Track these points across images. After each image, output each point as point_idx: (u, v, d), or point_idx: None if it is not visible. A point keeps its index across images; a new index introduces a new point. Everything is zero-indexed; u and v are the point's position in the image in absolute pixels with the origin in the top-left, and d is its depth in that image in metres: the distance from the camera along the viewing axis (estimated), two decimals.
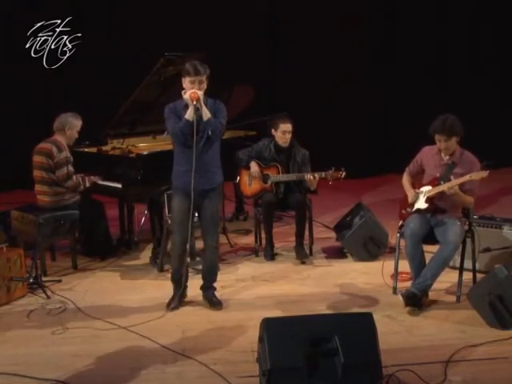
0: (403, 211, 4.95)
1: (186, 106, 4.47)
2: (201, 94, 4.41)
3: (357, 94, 9.28)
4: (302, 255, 5.80)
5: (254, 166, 5.90)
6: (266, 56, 9.41)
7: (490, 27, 9.63)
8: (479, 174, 4.53)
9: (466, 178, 4.54)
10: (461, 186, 4.60)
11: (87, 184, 5.70)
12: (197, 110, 4.40)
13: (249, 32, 8.94)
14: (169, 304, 4.75)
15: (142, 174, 5.54)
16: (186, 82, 4.46)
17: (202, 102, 4.42)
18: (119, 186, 5.71)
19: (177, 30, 8.42)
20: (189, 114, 4.42)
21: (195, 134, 4.39)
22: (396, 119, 9.55)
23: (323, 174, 5.59)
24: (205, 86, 4.47)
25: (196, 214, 4.71)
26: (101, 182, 5.81)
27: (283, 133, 5.79)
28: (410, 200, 4.89)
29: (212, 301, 4.79)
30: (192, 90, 4.39)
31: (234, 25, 8.76)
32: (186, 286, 4.85)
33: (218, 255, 4.88)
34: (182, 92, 4.46)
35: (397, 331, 4.30)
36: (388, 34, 9.55)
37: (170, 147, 5.77)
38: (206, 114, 4.44)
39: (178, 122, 4.46)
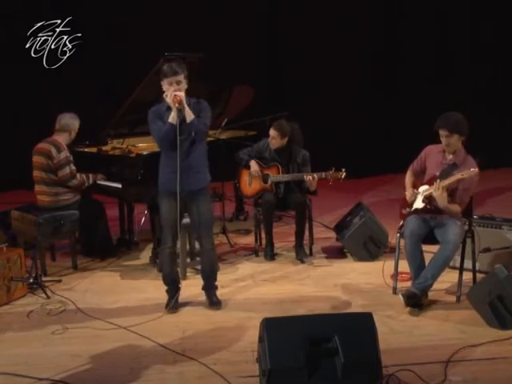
0: (403, 211, 4.94)
1: (169, 109, 4.42)
2: (182, 95, 4.35)
3: (357, 93, 9.29)
4: (302, 255, 5.80)
5: (254, 166, 5.90)
6: (266, 56, 9.41)
7: (491, 26, 9.62)
8: (469, 172, 4.49)
9: (458, 176, 4.52)
10: (453, 192, 4.60)
11: (91, 181, 5.71)
12: (179, 112, 4.35)
13: (249, 32, 8.94)
14: (167, 306, 4.72)
15: (142, 174, 5.52)
16: (164, 84, 4.40)
17: (185, 103, 4.37)
18: (119, 186, 5.70)
19: (177, 30, 8.42)
20: (172, 118, 4.37)
21: (178, 136, 4.33)
22: (396, 119, 9.55)
23: (323, 175, 5.57)
24: (184, 85, 4.42)
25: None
26: (103, 183, 5.80)
27: (270, 137, 5.83)
28: (407, 199, 4.89)
29: (212, 300, 4.79)
30: (174, 93, 4.34)
31: (234, 25, 8.77)
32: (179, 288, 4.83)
33: (215, 255, 4.86)
34: (164, 95, 4.40)
35: (397, 331, 4.29)
36: (389, 34, 9.55)
37: None
38: (190, 115, 4.39)
39: (162, 127, 4.41)
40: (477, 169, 4.52)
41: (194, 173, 4.51)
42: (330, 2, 9.10)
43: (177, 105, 4.32)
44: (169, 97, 4.35)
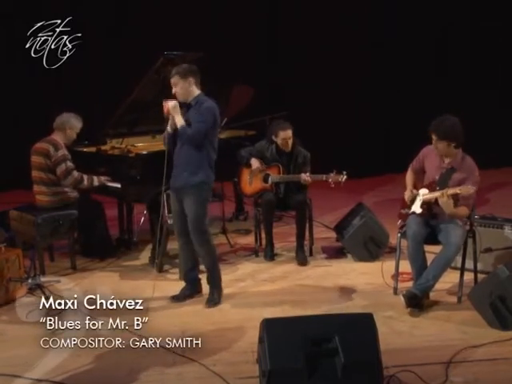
0: (402, 211, 4.92)
1: (185, 106, 4.64)
2: (172, 104, 4.55)
3: (357, 93, 9.26)
4: (302, 258, 5.76)
5: (255, 163, 5.86)
6: (266, 56, 9.37)
7: (491, 25, 9.61)
8: (467, 189, 4.47)
9: (456, 190, 4.50)
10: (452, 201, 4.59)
11: (95, 183, 5.67)
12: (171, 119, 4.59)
13: (249, 32, 8.93)
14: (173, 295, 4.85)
15: (142, 173, 5.51)
16: None
17: (176, 113, 4.55)
18: (118, 185, 5.68)
19: (177, 31, 8.39)
20: (169, 125, 4.63)
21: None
22: (396, 118, 9.51)
23: (324, 177, 5.56)
24: (182, 86, 4.58)
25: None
26: (110, 184, 5.76)
27: (283, 140, 5.78)
28: (406, 198, 4.88)
29: (208, 297, 4.83)
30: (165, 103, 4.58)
31: (234, 25, 8.75)
32: (198, 280, 4.94)
33: (207, 253, 4.81)
34: None
35: (397, 332, 4.28)
36: (389, 33, 9.51)
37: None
38: (179, 122, 4.56)
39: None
40: (474, 187, 4.50)
41: (181, 171, 4.66)
42: (329, 2, 9.07)
43: (165, 114, 4.57)
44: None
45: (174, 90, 4.59)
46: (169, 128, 4.62)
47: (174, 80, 4.58)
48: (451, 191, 4.50)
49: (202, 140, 4.58)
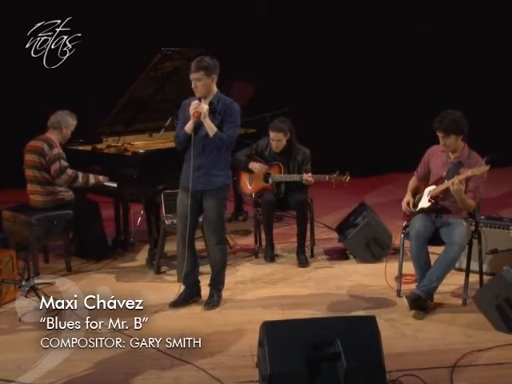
0: (406, 212, 4.85)
1: (199, 100, 4.47)
2: (204, 109, 4.40)
3: (359, 91, 9.24)
4: (303, 260, 5.69)
5: (255, 165, 5.76)
6: (266, 56, 9.38)
7: (496, 19, 9.55)
8: (480, 169, 4.43)
9: (468, 173, 4.45)
10: (464, 186, 4.52)
11: (91, 181, 5.59)
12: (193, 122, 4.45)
13: (249, 27, 8.93)
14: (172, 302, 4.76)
15: (139, 172, 5.44)
16: None
17: (206, 117, 4.40)
18: (114, 185, 5.61)
19: (177, 31, 8.38)
20: (189, 127, 4.46)
21: (193, 136, 4.45)
22: (399, 117, 9.51)
23: (327, 178, 5.51)
24: (205, 83, 4.43)
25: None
26: (107, 183, 5.69)
27: (272, 140, 5.72)
28: (403, 203, 4.83)
29: (207, 299, 4.77)
30: (196, 107, 4.38)
31: (235, 20, 8.75)
32: (198, 282, 4.87)
33: (219, 251, 4.76)
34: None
35: (401, 335, 4.23)
36: (391, 31, 9.50)
37: (167, 145, 5.72)
38: (211, 129, 4.44)
39: (180, 131, 4.57)
40: (487, 166, 4.46)
41: (203, 173, 4.57)
42: (329, 2, 9.07)
43: (195, 119, 4.40)
44: (191, 109, 4.41)
45: (193, 85, 4.44)
46: (189, 130, 4.46)
47: (197, 75, 4.41)
48: (464, 175, 4.45)
49: (235, 143, 4.58)
